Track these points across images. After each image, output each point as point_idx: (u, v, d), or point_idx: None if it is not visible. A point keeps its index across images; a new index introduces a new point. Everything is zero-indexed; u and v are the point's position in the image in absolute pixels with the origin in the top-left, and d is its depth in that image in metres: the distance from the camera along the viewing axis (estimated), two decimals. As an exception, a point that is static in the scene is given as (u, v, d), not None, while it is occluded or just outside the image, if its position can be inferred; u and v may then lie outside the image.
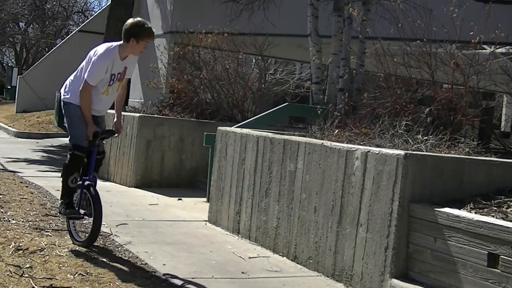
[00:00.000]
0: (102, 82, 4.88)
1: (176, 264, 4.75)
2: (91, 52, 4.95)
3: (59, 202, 5.16)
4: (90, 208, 4.92)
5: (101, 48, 4.92)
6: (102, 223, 5.86)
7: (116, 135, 5.39)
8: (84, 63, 4.97)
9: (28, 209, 6.07)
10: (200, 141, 8.07)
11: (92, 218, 4.92)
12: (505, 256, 3.53)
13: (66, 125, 5.03)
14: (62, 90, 5.04)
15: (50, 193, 7.28)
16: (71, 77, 5.07)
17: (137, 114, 9.01)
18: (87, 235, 5.00)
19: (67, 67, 21.68)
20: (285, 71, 19.90)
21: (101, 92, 4.92)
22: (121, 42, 4.92)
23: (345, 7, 9.16)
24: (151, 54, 16.21)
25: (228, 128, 6.51)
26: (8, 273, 4.03)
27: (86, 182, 4.96)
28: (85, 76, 4.81)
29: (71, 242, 4.98)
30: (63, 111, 5.05)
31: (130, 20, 4.96)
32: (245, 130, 6.20)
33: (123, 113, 9.28)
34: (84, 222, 5.91)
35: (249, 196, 5.82)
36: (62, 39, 27.55)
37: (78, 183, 4.97)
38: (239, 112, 10.23)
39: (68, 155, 4.93)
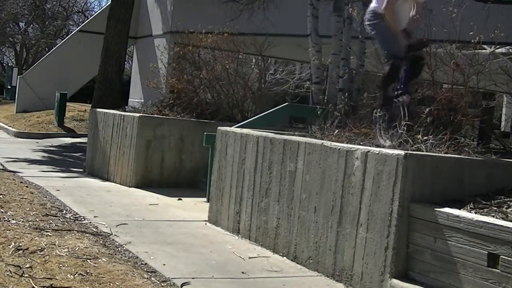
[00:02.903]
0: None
1: (176, 264, 4.75)
2: None
3: (379, 112, 5.53)
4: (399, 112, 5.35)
5: None
6: (102, 223, 5.90)
7: (426, 45, 5.60)
8: None
9: (28, 209, 6.07)
10: (200, 141, 8.07)
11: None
12: (505, 256, 3.53)
13: (380, 42, 5.56)
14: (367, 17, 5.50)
15: (50, 193, 7.28)
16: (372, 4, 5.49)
17: (137, 114, 9.01)
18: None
19: (67, 67, 21.79)
20: (285, 71, 19.91)
21: (401, 3, 5.31)
22: None
23: (345, 7, 9.16)
24: (151, 54, 16.22)
25: (228, 128, 6.51)
26: (8, 273, 4.03)
27: (399, 92, 5.35)
28: None
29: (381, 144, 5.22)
30: (373, 31, 5.51)
31: None
32: (245, 130, 6.20)
33: (123, 113, 9.35)
34: (83, 222, 5.92)
35: (249, 196, 5.82)
36: (62, 39, 27.53)
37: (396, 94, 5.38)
38: (239, 112, 10.23)
39: (388, 66, 5.37)
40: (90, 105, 13.48)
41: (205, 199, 7.53)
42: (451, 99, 6.12)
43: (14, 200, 6.45)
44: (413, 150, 4.69)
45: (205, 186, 7.71)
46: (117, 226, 5.85)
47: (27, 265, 4.24)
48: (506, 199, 4.15)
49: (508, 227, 3.54)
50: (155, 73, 11.96)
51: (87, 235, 5.32)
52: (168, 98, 10.56)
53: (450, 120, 5.95)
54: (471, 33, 6.19)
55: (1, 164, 9.89)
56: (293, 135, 5.89)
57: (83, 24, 23.24)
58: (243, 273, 4.66)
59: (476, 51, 6.64)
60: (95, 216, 6.21)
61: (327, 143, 4.96)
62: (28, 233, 5.07)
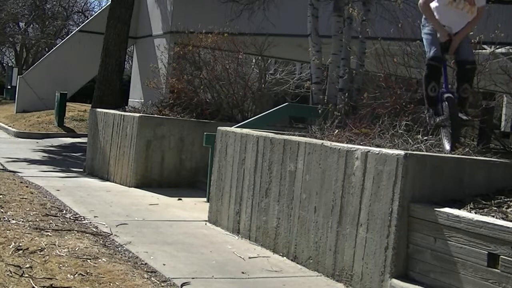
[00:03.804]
0: None
1: (176, 264, 4.75)
2: None
3: (427, 113, 5.42)
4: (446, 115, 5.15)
5: None
6: (102, 223, 5.90)
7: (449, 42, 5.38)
8: None
9: (28, 209, 6.07)
10: (200, 141, 8.07)
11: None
12: (505, 256, 3.53)
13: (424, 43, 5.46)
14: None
15: (50, 193, 7.28)
16: None
17: (137, 114, 9.01)
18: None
19: (67, 67, 21.80)
20: (285, 71, 19.91)
21: (446, 3, 5.20)
22: None
23: (345, 7, 9.15)
24: (151, 54, 16.23)
25: (228, 128, 6.51)
26: (8, 273, 4.03)
27: (444, 94, 5.23)
28: None
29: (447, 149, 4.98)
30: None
31: None
32: (245, 130, 6.20)
33: (123, 113, 9.35)
34: (83, 222, 5.92)
35: (249, 196, 5.82)
36: (62, 39, 27.53)
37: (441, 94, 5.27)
38: (239, 112, 10.23)
39: (426, 66, 5.32)
40: (90, 105, 13.48)
41: (205, 199, 7.53)
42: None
43: (14, 200, 6.45)
44: (413, 150, 4.69)
45: (205, 186, 7.71)
46: (117, 226, 5.85)
47: (27, 265, 4.24)
48: (506, 199, 4.15)
49: (508, 227, 3.54)
50: (155, 73, 11.97)
51: (87, 235, 5.32)
52: (168, 98, 10.57)
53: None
54: (471, 33, 6.19)
55: (1, 164, 9.90)
56: (293, 135, 5.89)
57: (83, 24, 23.24)
58: (243, 273, 4.66)
59: (476, 51, 6.64)
60: (95, 216, 6.21)
61: (327, 143, 4.95)
62: (28, 233, 5.07)
